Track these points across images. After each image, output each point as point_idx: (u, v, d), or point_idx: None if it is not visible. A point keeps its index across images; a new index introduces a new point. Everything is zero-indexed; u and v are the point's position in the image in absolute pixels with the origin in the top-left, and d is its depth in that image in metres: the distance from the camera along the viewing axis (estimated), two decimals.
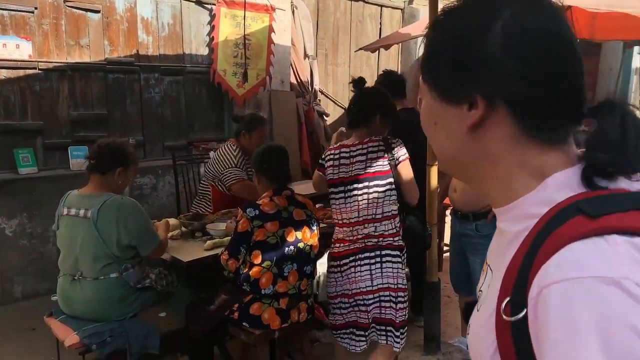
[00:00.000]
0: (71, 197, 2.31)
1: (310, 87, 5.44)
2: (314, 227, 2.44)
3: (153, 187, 4.20)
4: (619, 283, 0.44)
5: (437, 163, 2.55)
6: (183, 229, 2.93)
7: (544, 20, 0.57)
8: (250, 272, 2.28)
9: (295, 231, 2.33)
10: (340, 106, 6.12)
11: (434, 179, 2.65)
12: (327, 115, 5.76)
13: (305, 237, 2.37)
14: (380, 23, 6.45)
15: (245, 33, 4.28)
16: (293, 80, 5.26)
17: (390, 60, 6.71)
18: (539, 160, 0.57)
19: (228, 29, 4.42)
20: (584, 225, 0.48)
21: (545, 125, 0.57)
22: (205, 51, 4.55)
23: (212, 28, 4.43)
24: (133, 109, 4.20)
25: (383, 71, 3.40)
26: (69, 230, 2.27)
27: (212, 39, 4.43)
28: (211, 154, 4.19)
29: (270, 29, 4.64)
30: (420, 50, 6.72)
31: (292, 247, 2.31)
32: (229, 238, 2.72)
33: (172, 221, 2.94)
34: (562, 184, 0.55)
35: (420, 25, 4.63)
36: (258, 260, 2.27)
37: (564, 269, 0.47)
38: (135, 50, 4.11)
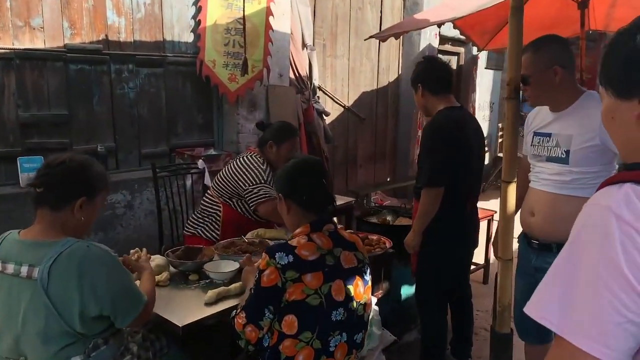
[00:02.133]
0: (8, 245, 1.51)
1: (309, 82, 4.73)
2: (367, 277, 1.74)
3: (128, 206, 3.43)
4: (602, 207, 0.74)
5: (515, 180, 1.98)
6: (171, 268, 2.21)
7: None
8: (281, 347, 1.56)
9: (345, 285, 1.62)
10: (340, 104, 5.46)
11: (511, 199, 2.00)
12: (327, 114, 5.07)
13: (358, 293, 1.66)
14: (381, 11, 5.86)
15: (240, 16, 3.55)
16: (291, 74, 4.55)
17: (392, 52, 6.09)
18: None
19: (218, 11, 3.68)
20: (617, 176, 0.76)
21: None
22: (190, 37, 3.82)
23: (199, 10, 3.71)
24: (101, 109, 3.48)
25: (423, 58, 2.71)
26: (4, 296, 1.48)
27: (198, 23, 3.71)
28: (200, 162, 3.48)
29: (268, 12, 3.90)
30: (422, 42, 6.23)
31: (341, 310, 1.60)
32: (238, 285, 2.01)
33: (158, 260, 2.20)
34: None
35: (438, 11, 3.99)
36: (292, 330, 1.55)
37: (590, 200, 0.78)
38: (103, 35, 3.37)
